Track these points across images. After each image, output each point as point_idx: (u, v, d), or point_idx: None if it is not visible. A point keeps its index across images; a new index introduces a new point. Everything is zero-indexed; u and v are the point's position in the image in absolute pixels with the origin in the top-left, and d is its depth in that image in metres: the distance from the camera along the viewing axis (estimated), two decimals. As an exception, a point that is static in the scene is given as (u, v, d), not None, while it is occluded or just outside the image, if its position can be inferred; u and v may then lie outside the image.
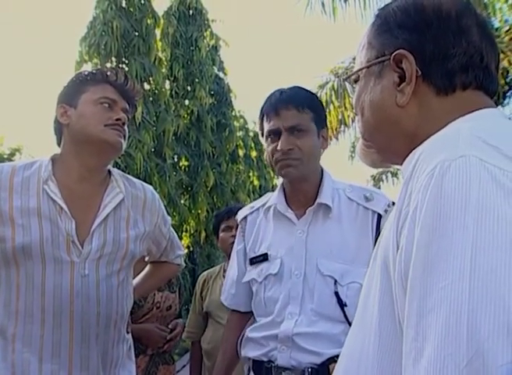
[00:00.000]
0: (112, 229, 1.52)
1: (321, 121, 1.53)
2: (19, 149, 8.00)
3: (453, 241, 0.51)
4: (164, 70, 9.09)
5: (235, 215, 1.80)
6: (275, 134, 1.47)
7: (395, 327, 0.62)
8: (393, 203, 1.42)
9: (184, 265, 2.00)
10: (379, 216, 1.45)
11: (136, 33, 7.92)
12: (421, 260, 0.54)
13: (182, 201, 9.87)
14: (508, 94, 7.98)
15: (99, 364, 1.47)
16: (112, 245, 1.50)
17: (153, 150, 8.20)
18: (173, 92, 10.27)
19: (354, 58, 0.85)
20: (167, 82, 9.81)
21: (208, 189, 10.81)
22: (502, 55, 6.04)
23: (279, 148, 1.45)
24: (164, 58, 9.41)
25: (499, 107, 7.96)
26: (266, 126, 1.50)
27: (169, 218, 1.81)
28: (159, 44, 9.18)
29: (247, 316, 1.61)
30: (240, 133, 13.23)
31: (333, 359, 1.34)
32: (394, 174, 13.45)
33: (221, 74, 12.11)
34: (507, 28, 6.31)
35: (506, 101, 8.15)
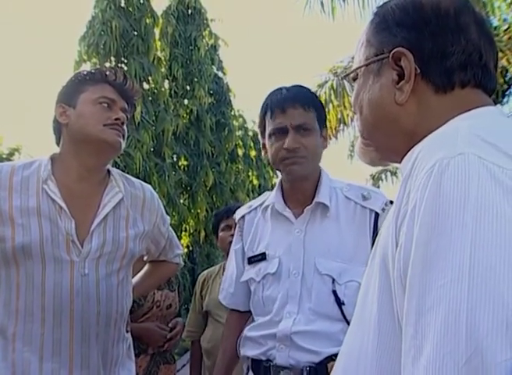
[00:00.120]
0: (111, 228, 1.52)
1: (322, 121, 1.54)
2: (18, 149, 7.98)
3: (452, 239, 0.51)
4: (163, 70, 9.08)
5: (234, 214, 1.80)
6: (280, 132, 1.46)
7: (394, 325, 0.62)
8: (391, 202, 1.43)
9: (183, 264, 2.00)
10: (377, 215, 1.45)
11: (135, 33, 7.92)
12: (420, 258, 0.54)
13: (181, 201, 9.87)
14: (507, 92, 7.97)
15: (99, 363, 1.47)
16: (111, 244, 1.50)
17: (152, 149, 8.21)
18: (172, 92, 10.27)
19: (353, 58, 0.85)
20: (166, 81, 9.81)
21: (208, 188, 10.81)
22: (501, 54, 6.05)
23: (286, 146, 1.44)
24: (163, 58, 9.41)
25: (498, 106, 7.96)
26: (271, 124, 1.49)
27: (168, 217, 1.81)
28: (158, 43, 9.18)
29: (246, 315, 1.61)
30: (239, 133, 13.23)
31: (331, 358, 1.34)
32: (393, 173, 13.45)
33: (220, 74, 12.11)
34: (506, 27, 6.31)
35: (505, 100, 8.15)
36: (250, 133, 13.90)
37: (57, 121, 1.55)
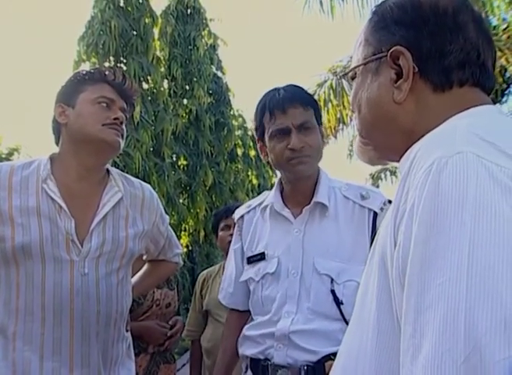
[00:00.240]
0: (111, 227, 1.52)
1: (319, 118, 1.54)
2: (18, 149, 7.99)
3: (451, 238, 0.51)
4: (162, 69, 9.08)
5: (233, 214, 1.80)
6: (282, 133, 1.46)
7: (393, 324, 0.62)
8: (389, 201, 1.43)
9: (182, 263, 2.00)
10: (375, 214, 1.45)
11: (135, 33, 7.92)
12: (418, 256, 0.54)
13: (180, 201, 9.87)
14: (506, 92, 7.98)
15: (99, 362, 1.47)
16: (111, 244, 1.50)
17: (151, 149, 8.21)
18: (171, 91, 10.27)
19: (352, 57, 0.85)
20: (165, 81, 9.81)
21: (207, 188, 10.81)
22: (500, 53, 6.05)
23: (291, 146, 1.44)
24: (162, 58, 9.41)
25: (498, 105, 7.96)
26: (271, 126, 1.48)
27: (167, 217, 1.81)
28: (157, 43, 9.17)
29: (246, 315, 1.61)
30: (238, 132, 13.23)
31: (329, 357, 1.34)
32: (393, 173, 13.44)
33: (219, 73, 12.10)
34: (505, 26, 6.30)
35: (504, 99, 8.15)
36: (250, 133, 13.88)
37: (56, 121, 1.55)
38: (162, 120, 8.36)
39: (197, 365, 2.73)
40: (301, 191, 1.52)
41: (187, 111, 10.70)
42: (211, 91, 11.52)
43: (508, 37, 6.19)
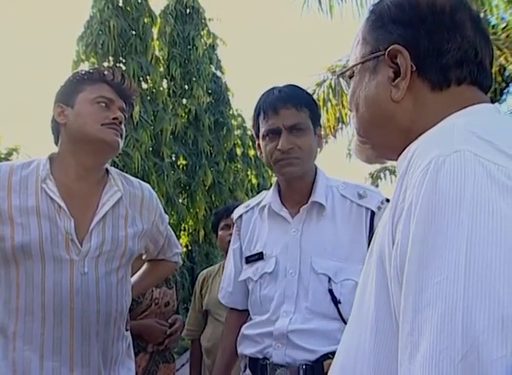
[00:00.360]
0: (110, 227, 1.52)
1: (316, 120, 1.53)
2: (17, 149, 7.99)
3: (448, 236, 0.51)
4: (161, 69, 9.08)
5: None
6: (274, 133, 1.47)
7: (391, 323, 0.62)
8: (387, 200, 1.43)
9: (181, 263, 2.01)
10: (373, 213, 1.46)
11: (134, 33, 7.91)
12: (416, 255, 0.54)
13: (180, 200, 9.87)
14: (505, 90, 7.98)
15: (100, 361, 1.48)
16: (110, 243, 1.51)
17: (151, 149, 8.20)
18: (171, 91, 10.27)
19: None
20: (164, 81, 9.80)
21: (206, 188, 10.81)
22: (499, 52, 6.05)
23: (279, 147, 1.44)
24: (161, 58, 9.40)
25: (497, 104, 7.97)
26: (264, 125, 1.49)
27: (167, 216, 1.81)
28: (156, 43, 9.17)
29: (245, 314, 1.61)
30: (237, 132, 13.23)
31: (327, 356, 1.35)
32: (392, 172, 13.44)
33: (218, 73, 12.10)
34: (504, 25, 6.31)
35: (503, 98, 8.16)
36: (249, 133, 13.88)
37: (55, 121, 1.55)
38: (161, 120, 8.36)
39: (197, 364, 2.73)
40: (298, 191, 1.52)
41: (186, 111, 10.70)
42: (210, 91, 11.52)
43: (507, 36, 6.19)
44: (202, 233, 10.46)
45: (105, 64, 7.49)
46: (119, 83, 1.58)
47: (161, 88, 8.78)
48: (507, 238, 0.49)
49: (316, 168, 1.56)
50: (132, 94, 1.63)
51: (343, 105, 7.64)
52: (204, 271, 2.89)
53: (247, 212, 1.64)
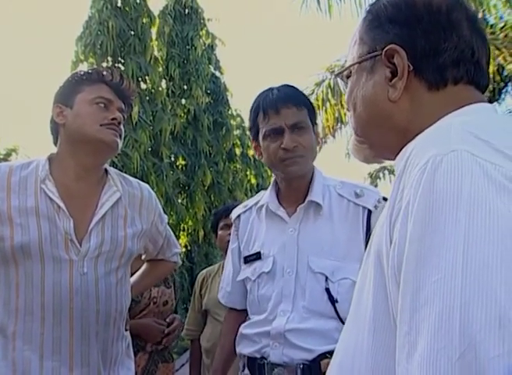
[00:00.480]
0: (109, 227, 1.53)
1: (313, 118, 1.54)
2: (16, 149, 7.99)
3: (446, 236, 0.51)
4: (160, 69, 9.07)
5: (232, 213, 1.81)
6: (275, 133, 1.47)
7: (389, 323, 0.62)
8: (384, 199, 1.44)
9: (181, 262, 2.01)
10: (369, 212, 1.46)
11: (132, 33, 7.91)
12: (413, 254, 0.54)
13: (179, 201, 9.87)
14: (504, 90, 7.99)
15: (99, 361, 1.48)
16: (110, 243, 1.51)
17: (150, 149, 8.20)
18: (169, 91, 10.26)
19: (350, 56, 0.85)
20: (163, 81, 9.80)
21: (206, 188, 10.81)
22: (497, 52, 6.05)
23: (284, 146, 1.45)
24: (160, 58, 9.40)
25: (495, 103, 7.98)
26: (265, 125, 1.49)
27: (166, 216, 1.82)
28: (155, 43, 9.17)
29: (244, 314, 1.62)
30: (236, 132, 13.23)
31: (325, 356, 1.35)
32: (391, 172, 13.44)
33: (217, 73, 12.11)
34: (502, 25, 6.31)
35: (501, 97, 8.16)
36: (248, 133, 13.87)
37: (54, 121, 1.55)
38: (160, 120, 8.36)
39: (197, 364, 2.74)
40: (296, 190, 1.53)
41: (185, 111, 10.70)
42: (209, 91, 11.52)
43: (505, 36, 6.19)
44: (201, 233, 10.46)
45: (104, 64, 7.49)
46: (118, 83, 1.58)
47: (160, 88, 8.78)
48: (504, 237, 0.49)
49: (313, 167, 1.56)
50: (131, 95, 1.64)
51: (341, 105, 7.64)
52: (204, 271, 2.89)
53: (244, 212, 1.65)
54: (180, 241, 10.12)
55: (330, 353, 0.78)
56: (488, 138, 0.57)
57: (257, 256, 1.53)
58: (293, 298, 1.43)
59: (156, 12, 9.09)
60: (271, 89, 1.53)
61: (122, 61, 7.85)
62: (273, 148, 1.48)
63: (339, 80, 0.89)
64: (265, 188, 1.63)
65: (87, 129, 1.48)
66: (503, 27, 6.31)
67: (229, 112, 12.39)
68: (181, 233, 10.26)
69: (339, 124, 8.23)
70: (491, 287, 0.48)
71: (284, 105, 1.46)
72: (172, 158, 10.13)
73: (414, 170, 0.58)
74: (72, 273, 1.43)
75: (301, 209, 1.50)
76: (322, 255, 1.44)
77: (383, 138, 0.77)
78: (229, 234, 2.38)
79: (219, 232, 2.68)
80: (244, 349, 1.51)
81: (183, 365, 6.01)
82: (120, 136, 1.54)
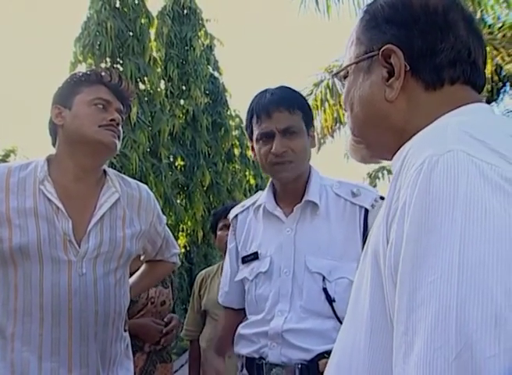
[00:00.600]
0: (108, 228, 1.53)
1: (309, 120, 1.53)
2: (14, 150, 7.98)
3: (442, 235, 0.51)
4: (159, 70, 9.07)
5: (230, 213, 1.81)
6: (267, 137, 1.47)
7: (386, 323, 0.62)
8: (381, 197, 1.44)
9: (180, 263, 2.01)
10: (366, 211, 1.46)
11: (131, 34, 7.91)
12: (410, 255, 0.54)
13: (178, 201, 9.86)
14: (502, 90, 8.00)
15: (98, 362, 1.48)
16: (108, 244, 1.51)
17: (148, 150, 8.20)
18: (168, 92, 10.26)
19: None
20: (162, 82, 9.79)
21: (204, 188, 10.80)
22: (495, 52, 6.06)
23: (273, 150, 1.45)
24: (158, 58, 9.39)
25: (493, 103, 7.99)
26: (257, 129, 1.49)
27: (164, 217, 1.82)
28: (154, 44, 9.17)
29: (241, 313, 1.61)
30: (235, 133, 13.22)
31: (323, 356, 1.35)
32: (390, 172, 13.34)
33: (216, 74, 12.10)
34: (500, 25, 6.32)
35: (500, 97, 8.17)
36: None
37: (53, 122, 1.55)
38: (159, 121, 8.36)
39: (196, 365, 2.73)
40: (292, 191, 1.53)
41: (184, 111, 10.70)
42: (207, 92, 11.52)
43: (503, 36, 6.20)
44: (200, 233, 10.46)
45: (102, 65, 7.49)
46: (117, 84, 1.58)
47: (159, 89, 8.78)
48: (500, 237, 0.49)
49: (310, 168, 1.56)
50: (129, 96, 1.64)
51: (340, 106, 7.64)
52: (203, 271, 2.89)
53: (242, 212, 1.65)
54: (179, 241, 10.12)
55: (328, 353, 0.78)
56: (484, 138, 0.57)
57: (255, 256, 1.53)
58: (290, 298, 1.43)
59: (154, 13, 9.09)
60: (265, 91, 1.52)
61: (121, 62, 7.85)
62: (264, 152, 1.48)
63: (335, 80, 0.89)
64: (264, 189, 1.64)
65: (86, 130, 1.48)
66: (501, 27, 6.32)
67: (228, 113, 12.38)
68: (180, 233, 10.25)
69: (337, 124, 8.24)
70: (487, 286, 0.48)
71: (276, 109, 1.46)
72: (171, 159, 10.13)
73: (410, 170, 0.58)
74: (71, 274, 1.44)
75: (298, 209, 1.50)
76: (319, 254, 1.44)
77: (380, 138, 0.77)
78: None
79: (218, 232, 2.68)
80: (242, 349, 1.51)
81: (182, 365, 6.01)
82: (119, 137, 1.55)
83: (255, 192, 1.79)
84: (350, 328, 0.71)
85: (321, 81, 8.16)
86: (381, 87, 0.74)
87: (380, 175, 13.97)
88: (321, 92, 8.00)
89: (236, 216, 1.66)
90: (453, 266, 0.49)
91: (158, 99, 8.43)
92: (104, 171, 1.61)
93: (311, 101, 8.15)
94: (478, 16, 5.90)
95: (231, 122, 12.65)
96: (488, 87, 6.79)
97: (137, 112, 7.53)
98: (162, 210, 1.82)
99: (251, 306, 1.54)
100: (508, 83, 7.85)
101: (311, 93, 8.16)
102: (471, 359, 0.46)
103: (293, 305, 1.43)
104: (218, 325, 1.76)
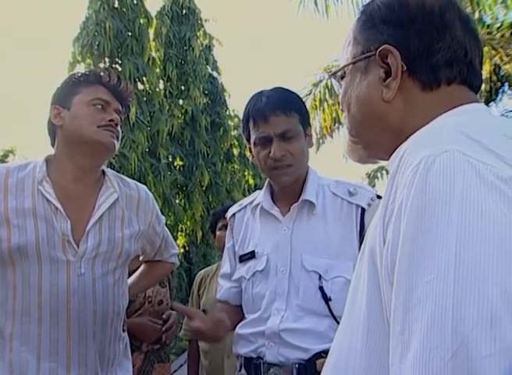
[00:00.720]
0: (106, 228, 1.53)
1: (305, 121, 1.53)
2: (13, 151, 7.98)
3: (438, 235, 0.51)
4: (157, 70, 9.07)
5: (229, 213, 1.81)
6: (265, 141, 1.47)
7: (383, 323, 0.62)
8: (378, 196, 1.44)
9: (178, 263, 2.01)
10: (363, 210, 1.46)
11: (130, 34, 7.90)
12: (406, 255, 0.54)
13: (177, 201, 9.87)
14: (500, 90, 8.01)
15: (97, 362, 1.48)
16: (107, 244, 1.51)
17: (147, 150, 8.19)
18: (167, 92, 10.26)
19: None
20: (161, 82, 9.79)
21: (203, 188, 10.80)
22: (494, 52, 6.07)
23: (271, 155, 1.45)
24: (157, 58, 9.39)
25: (493, 103, 7.99)
26: (254, 133, 1.49)
27: (163, 217, 1.82)
28: (152, 44, 9.17)
29: (237, 310, 1.61)
30: (234, 133, 13.21)
31: (320, 355, 1.35)
32: (389, 172, 13.45)
33: (214, 74, 12.10)
34: (499, 25, 6.33)
35: (498, 97, 8.18)
36: (246, 133, 13.84)
37: (51, 123, 1.55)
38: (158, 121, 8.35)
39: (195, 365, 2.74)
40: (290, 191, 1.53)
41: (183, 111, 10.70)
42: (206, 92, 11.51)
43: (502, 36, 6.21)
44: (199, 234, 10.46)
45: (101, 65, 7.49)
46: (115, 85, 1.58)
47: (158, 89, 8.77)
48: (496, 237, 0.49)
49: (308, 167, 1.57)
50: (128, 96, 1.64)
51: (339, 105, 7.61)
52: (202, 271, 2.89)
53: (239, 210, 1.66)
54: (178, 241, 10.12)
55: (325, 352, 0.78)
56: (480, 138, 0.57)
57: (252, 255, 1.53)
58: (286, 297, 1.44)
59: (153, 13, 9.10)
60: (261, 94, 1.51)
61: (120, 62, 7.84)
62: (262, 156, 1.48)
63: (333, 80, 0.89)
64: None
65: (85, 130, 1.48)
66: (499, 27, 6.33)
67: (227, 113, 12.38)
68: (179, 233, 10.26)
69: (336, 124, 8.25)
70: (483, 286, 0.48)
71: (273, 113, 1.45)
72: (170, 159, 10.13)
73: (407, 171, 0.58)
74: (70, 274, 1.44)
75: (295, 208, 1.50)
76: (316, 253, 1.44)
77: (377, 138, 0.78)
78: (227, 234, 2.38)
79: (218, 232, 2.68)
80: (241, 349, 1.52)
81: (181, 366, 6.01)
82: (117, 137, 1.55)
83: (254, 192, 1.79)
84: (347, 328, 0.71)
85: (320, 81, 8.18)
86: (378, 87, 0.74)
87: (379, 175, 13.96)
88: (319, 92, 8.01)
89: (234, 214, 1.67)
90: (450, 265, 0.50)
91: (156, 99, 8.43)
92: (103, 171, 1.62)
93: (309, 101, 8.16)
94: (477, 16, 5.91)
95: (230, 122, 12.65)
96: (486, 87, 6.79)
97: (136, 112, 7.53)
98: (161, 210, 1.82)
99: (248, 305, 1.54)
100: (506, 83, 7.85)
101: (310, 93, 8.17)
102: (467, 359, 0.46)
103: (290, 304, 1.43)
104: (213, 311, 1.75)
